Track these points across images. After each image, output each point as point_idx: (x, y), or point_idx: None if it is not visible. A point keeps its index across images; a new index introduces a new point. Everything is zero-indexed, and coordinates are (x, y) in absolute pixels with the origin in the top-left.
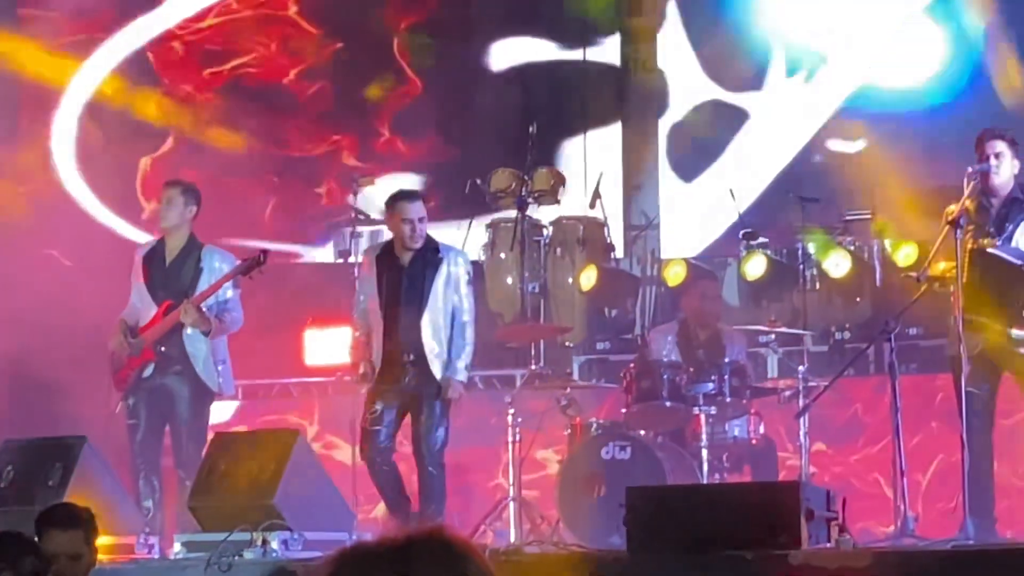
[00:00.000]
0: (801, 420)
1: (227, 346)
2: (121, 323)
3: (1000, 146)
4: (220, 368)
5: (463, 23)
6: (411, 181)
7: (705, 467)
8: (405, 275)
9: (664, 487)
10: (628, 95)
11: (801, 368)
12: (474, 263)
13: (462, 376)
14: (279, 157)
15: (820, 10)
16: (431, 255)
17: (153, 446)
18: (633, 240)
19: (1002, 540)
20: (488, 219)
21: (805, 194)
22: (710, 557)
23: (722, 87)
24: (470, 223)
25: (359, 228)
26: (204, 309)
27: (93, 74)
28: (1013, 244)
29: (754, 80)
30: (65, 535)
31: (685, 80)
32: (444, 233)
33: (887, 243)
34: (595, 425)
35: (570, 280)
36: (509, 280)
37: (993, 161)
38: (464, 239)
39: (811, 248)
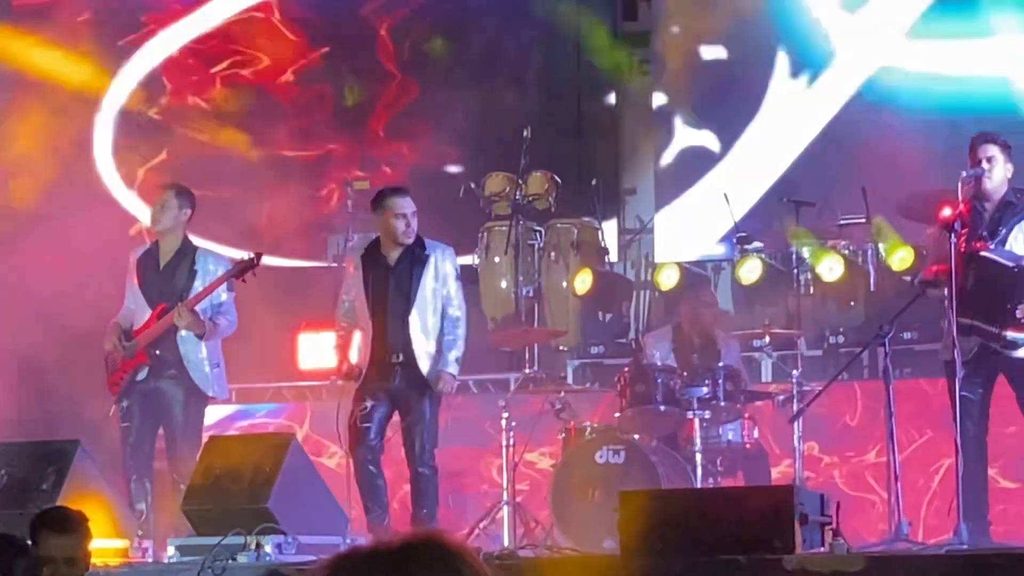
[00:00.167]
0: (795, 424)
1: (221, 350)
2: (115, 326)
3: (992, 150)
4: (214, 372)
5: (460, 24)
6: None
7: (699, 471)
8: (392, 274)
9: (658, 491)
10: (623, 98)
11: (795, 372)
12: (468, 267)
13: (453, 369)
14: (273, 162)
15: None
16: (418, 251)
17: (146, 449)
18: (627, 244)
19: (996, 544)
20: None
21: (800, 198)
22: (704, 561)
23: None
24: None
25: (354, 232)
26: (198, 312)
27: (127, 82)
28: (1007, 247)
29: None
30: (61, 539)
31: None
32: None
33: (882, 247)
34: (589, 429)
35: (564, 284)
36: (503, 284)
37: (985, 165)
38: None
39: (805, 252)
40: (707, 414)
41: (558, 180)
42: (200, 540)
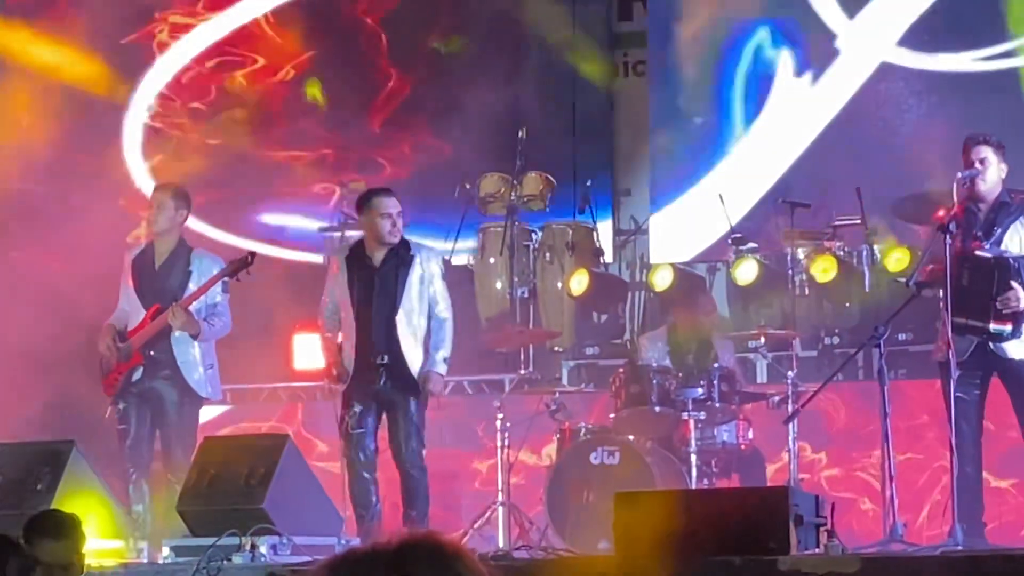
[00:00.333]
0: (790, 425)
1: (215, 350)
2: (110, 327)
3: (985, 152)
4: (208, 372)
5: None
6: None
7: (694, 472)
8: (377, 275)
9: (653, 492)
10: (618, 99)
11: (790, 373)
12: (464, 268)
13: (441, 369)
14: (269, 162)
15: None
16: (403, 252)
17: (142, 450)
18: (622, 245)
19: (991, 545)
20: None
21: (795, 199)
22: (698, 562)
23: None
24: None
25: (349, 232)
26: (192, 313)
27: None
28: (1002, 247)
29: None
30: (57, 545)
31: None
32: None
33: (877, 248)
34: (584, 430)
35: (559, 285)
36: (498, 285)
37: (978, 167)
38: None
39: (799, 254)
40: (702, 415)
41: (553, 181)
42: (195, 541)
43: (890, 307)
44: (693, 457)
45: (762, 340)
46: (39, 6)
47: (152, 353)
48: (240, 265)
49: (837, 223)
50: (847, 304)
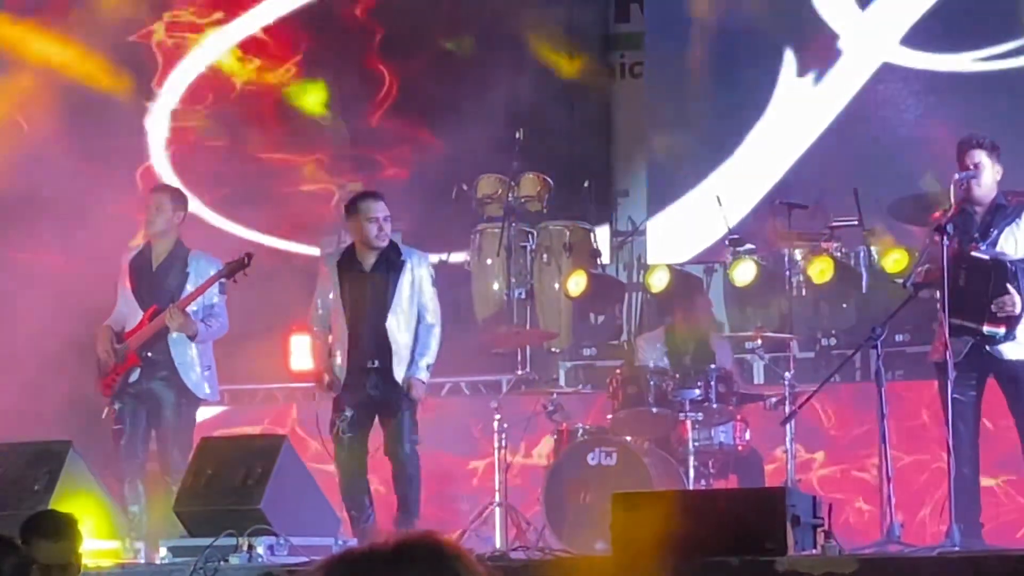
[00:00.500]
0: (787, 426)
1: (212, 351)
2: (106, 329)
3: (979, 155)
4: (205, 373)
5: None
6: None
7: (691, 473)
8: (368, 280)
9: (650, 493)
10: (615, 100)
11: (787, 374)
12: (461, 269)
13: (423, 375)
14: (266, 164)
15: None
16: (394, 257)
17: (139, 451)
18: (619, 246)
19: (988, 546)
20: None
21: (793, 200)
22: (696, 563)
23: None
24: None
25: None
26: (189, 314)
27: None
28: (998, 249)
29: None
30: (54, 545)
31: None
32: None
33: (875, 249)
34: (581, 431)
35: (556, 286)
36: (495, 286)
37: (973, 171)
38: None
39: (796, 255)
40: (699, 416)
41: (550, 182)
42: (192, 541)
43: (887, 308)
44: (690, 458)
45: (759, 341)
46: (40, 2)
47: (149, 354)
48: (237, 266)
49: (834, 224)
50: (844, 305)
